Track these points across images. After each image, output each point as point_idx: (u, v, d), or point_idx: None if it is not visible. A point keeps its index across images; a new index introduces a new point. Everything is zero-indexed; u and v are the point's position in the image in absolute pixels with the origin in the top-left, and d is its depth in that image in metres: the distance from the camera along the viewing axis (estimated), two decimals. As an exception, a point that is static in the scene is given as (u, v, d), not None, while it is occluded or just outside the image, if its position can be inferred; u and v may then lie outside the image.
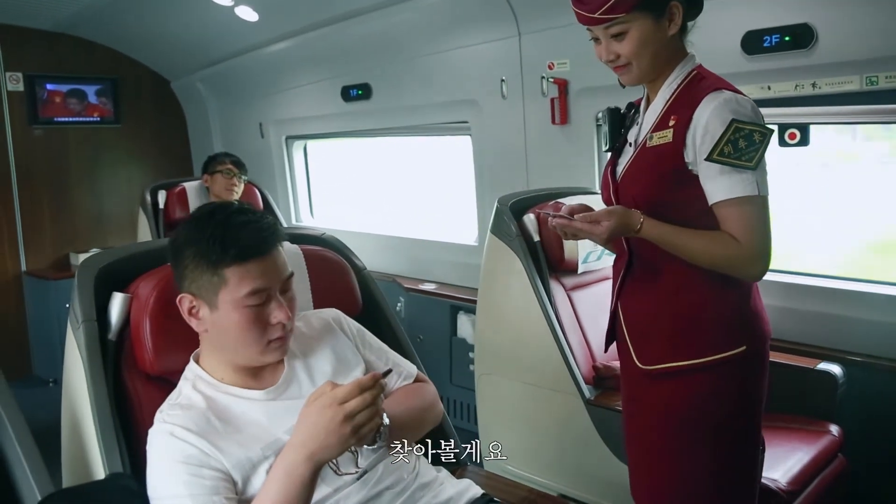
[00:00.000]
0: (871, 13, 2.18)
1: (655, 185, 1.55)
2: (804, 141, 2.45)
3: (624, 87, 1.63)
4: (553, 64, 3.08)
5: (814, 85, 2.34)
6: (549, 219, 1.56)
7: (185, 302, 1.29)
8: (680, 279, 1.56)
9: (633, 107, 1.70)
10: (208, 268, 1.25)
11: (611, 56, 1.55)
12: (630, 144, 1.65)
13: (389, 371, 1.26)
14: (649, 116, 1.61)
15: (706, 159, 1.46)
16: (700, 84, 1.54)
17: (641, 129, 1.62)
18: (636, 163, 1.60)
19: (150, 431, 1.27)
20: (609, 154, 1.73)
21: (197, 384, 1.33)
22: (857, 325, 2.43)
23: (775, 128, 2.17)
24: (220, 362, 1.34)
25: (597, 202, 1.74)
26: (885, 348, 2.36)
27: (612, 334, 1.73)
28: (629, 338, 1.65)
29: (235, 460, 1.23)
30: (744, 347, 1.55)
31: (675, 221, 1.52)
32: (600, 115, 3.01)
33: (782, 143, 2.42)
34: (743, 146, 1.44)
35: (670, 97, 1.56)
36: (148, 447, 1.26)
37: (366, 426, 1.14)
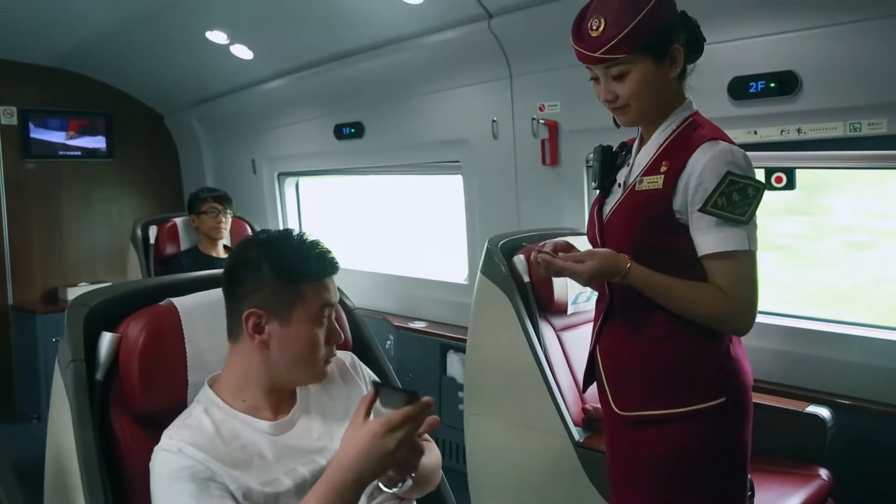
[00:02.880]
0: (854, 62, 2.23)
1: (641, 230, 1.53)
2: (790, 185, 2.48)
3: (619, 127, 1.62)
4: (544, 106, 3.12)
5: (799, 130, 2.39)
6: (533, 254, 1.54)
7: (252, 318, 1.31)
8: (660, 328, 1.55)
9: (626, 147, 1.69)
10: (288, 283, 1.30)
11: (609, 96, 1.53)
12: (619, 185, 1.63)
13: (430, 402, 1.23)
14: (641, 159, 1.59)
15: (699, 210, 1.45)
16: (696, 132, 1.53)
17: (632, 171, 1.61)
18: (624, 205, 1.58)
19: (156, 449, 1.27)
20: (596, 192, 1.72)
21: (209, 408, 1.34)
22: (845, 368, 2.43)
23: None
24: (249, 383, 1.35)
25: (585, 243, 1.75)
26: (873, 391, 2.36)
27: (591, 376, 1.72)
28: (606, 383, 1.64)
29: (237, 485, 1.23)
30: (722, 399, 1.53)
31: (659, 269, 1.49)
32: (591, 155, 3.05)
33: (769, 186, 2.45)
34: (737, 199, 1.43)
35: (664, 142, 1.55)
36: (152, 465, 1.26)
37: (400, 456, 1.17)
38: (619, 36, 1.44)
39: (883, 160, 2.36)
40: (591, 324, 2.51)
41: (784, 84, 2.36)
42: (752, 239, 1.47)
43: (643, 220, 1.53)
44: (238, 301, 1.33)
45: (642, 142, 1.62)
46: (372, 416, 1.20)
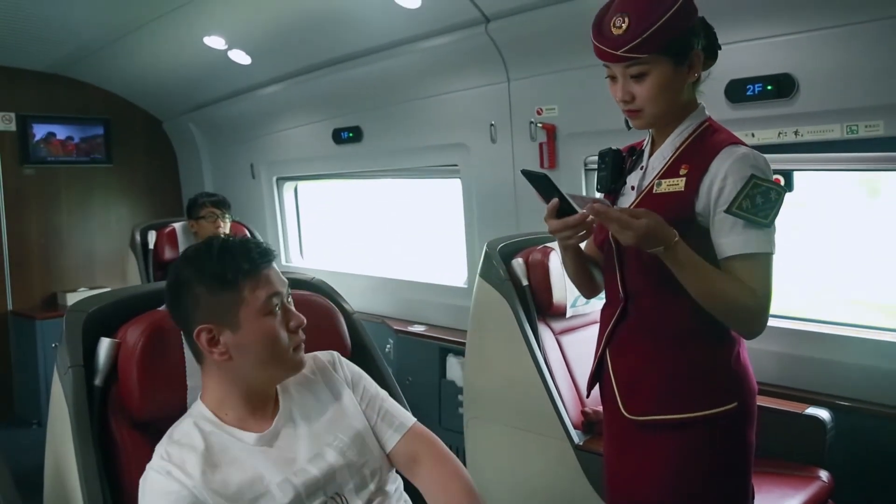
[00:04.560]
0: (851, 64, 2.23)
1: None
2: (788, 187, 2.49)
3: (630, 129, 1.61)
4: (541, 109, 3.13)
5: (796, 133, 2.39)
6: (589, 205, 1.44)
7: (203, 334, 1.30)
8: (677, 332, 1.54)
9: (635, 150, 1.68)
10: (224, 289, 1.29)
11: (627, 96, 1.50)
12: (632, 188, 1.62)
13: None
14: (655, 162, 1.59)
15: (725, 211, 1.45)
16: (714, 136, 1.53)
17: (646, 175, 1.60)
18: (641, 208, 1.55)
19: (147, 466, 1.28)
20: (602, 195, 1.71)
21: (198, 421, 1.34)
22: (845, 370, 2.43)
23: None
24: (227, 395, 1.35)
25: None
26: (873, 393, 2.36)
27: (597, 380, 1.70)
28: (617, 386, 1.62)
29: None
30: (735, 404, 1.53)
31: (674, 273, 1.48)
32: (589, 157, 3.05)
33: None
34: (760, 202, 1.43)
35: (680, 146, 1.55)
36: (142, 482, 1.27)
37: None
38: (644, 35, 1.43)
39: (880, 162, 2.36)
40: (590, 327, 2.56)
41: (781, 86, 2.36)
42: (772, 242, 1.48)
43: None
44: (186, 324, 1.33)
45: (654, 145, 1.62)
46: None
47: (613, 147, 1.70)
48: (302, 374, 1.44)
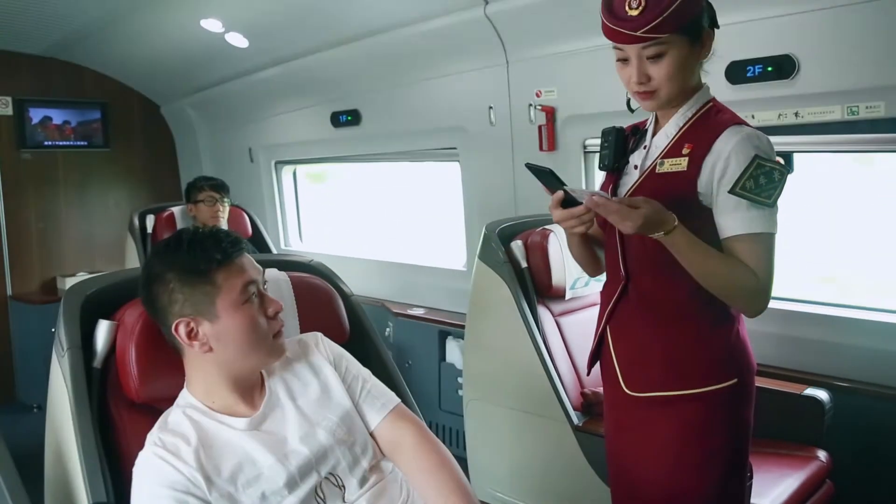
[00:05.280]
0: (852, 45, 2.22)
1: None
2: (788, 168, 2.48)
3: (633, 111, 1.61)
4: (540, 92, 3.11)
5: (796, 114, 2.38)
6: (588, 196, 1.44)
7: (181, 327, 1.31)
8: (677, 309, 1.55)
9: (639, 130, 1.68)
10: (199, 281, 1.30)
11: (643, 78, 1.49)
12: (635, 167, 1.62)
13: None
14: (658, 141, 1.59)
15: (729, 192, 1.45)
16: (718, 116, 1.53)
17: (649, 154, 1.60)
18: (643, 187, 1.56)
19: (140, 454, 1.28)
20: (603, 175, 1.71)
21: (186, 410, 1.34)
22: (843, 351, 2.44)
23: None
24: (212, 384, 1.35)
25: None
26: (871, 374, 2.37)
27: (597, 358, 1.72)
28: (617, 363, 1.63)
29: (217, 493, 1.25)
30: (734, 380, 1.54)
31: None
32: (588, 140, 3.04)
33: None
34: (763, 182, 1.43)
35: (684, 125, 1.55)
36: (135, 469, 1.27)
37: None
38: (665, 14, 1.41)
39: (880, 143, 2.35)
40: (589, 308, 2.56)
41: (782, 68, 2.34)
42: (775, 222, 1.48)
43: (665, 201, 1.48)
44: (163, 318, 1.34)
45: (657, 125, 1.61)
46: None
47: (616, 126, 1.69)
48: (286, 356, 1.44)
